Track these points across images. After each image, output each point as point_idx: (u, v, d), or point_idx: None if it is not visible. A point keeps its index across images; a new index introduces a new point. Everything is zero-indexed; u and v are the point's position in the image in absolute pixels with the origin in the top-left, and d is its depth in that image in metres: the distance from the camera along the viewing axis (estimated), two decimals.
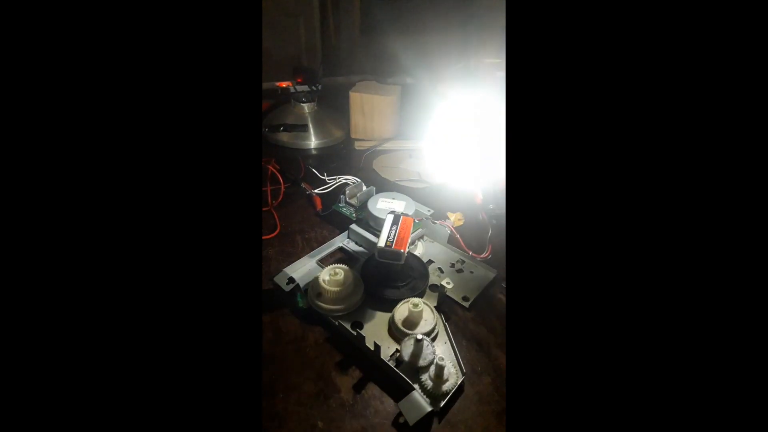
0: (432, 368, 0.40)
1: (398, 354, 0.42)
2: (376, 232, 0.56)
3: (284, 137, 0.90)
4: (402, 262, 0.47)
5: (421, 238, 0.60)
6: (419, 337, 0.41)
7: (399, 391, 0.41)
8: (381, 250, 0.47)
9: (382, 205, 0.59)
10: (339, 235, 0.61)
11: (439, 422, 0.38)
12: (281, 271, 0.52)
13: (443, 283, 0.47)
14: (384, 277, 0.51)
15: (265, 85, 0.97)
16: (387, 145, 0.92)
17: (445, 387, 0.39)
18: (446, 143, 0.45)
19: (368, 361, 0.44)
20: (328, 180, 0.72)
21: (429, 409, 0.37)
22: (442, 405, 0.38)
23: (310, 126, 0.92)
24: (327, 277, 0.49)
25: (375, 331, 0.46)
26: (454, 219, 0.64)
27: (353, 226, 0.59)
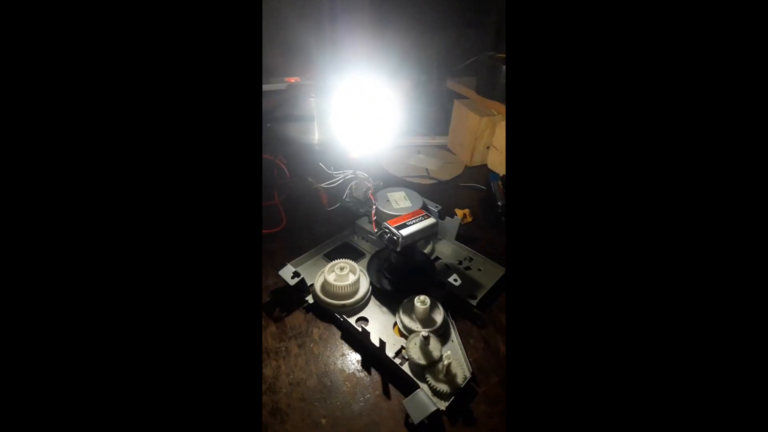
0: (438, 366, 0.39)
1: (404, 351, 0.41)
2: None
3: (291, 131, 0.89)
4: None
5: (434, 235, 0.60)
6: (426, 334, 0.40)
7: (405, 388, 0.40)
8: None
9: (390, 200, 0.58)
10: (345, 229, 0.60)
11: (445, 422, 0.38)
12: (286, 265, 0.51)
13: (451, 280, 0.46)
14: (392, 272, 0.50)
15: (274, 81, 0.96)
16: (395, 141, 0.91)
17: (452, 386, 0.38)
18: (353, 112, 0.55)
19: (374, 357, 0.43)
20: (335, 174, 0.71)
21: (434, 408, 0.36)
22: (448, 404, 0.38)
23: (317, 120, 0.91)
24: (333, 272, 0.48)
25: (381, 328, 0.45)
26: (463, 216, 0.63)
27: (359, 222, 0.59)
